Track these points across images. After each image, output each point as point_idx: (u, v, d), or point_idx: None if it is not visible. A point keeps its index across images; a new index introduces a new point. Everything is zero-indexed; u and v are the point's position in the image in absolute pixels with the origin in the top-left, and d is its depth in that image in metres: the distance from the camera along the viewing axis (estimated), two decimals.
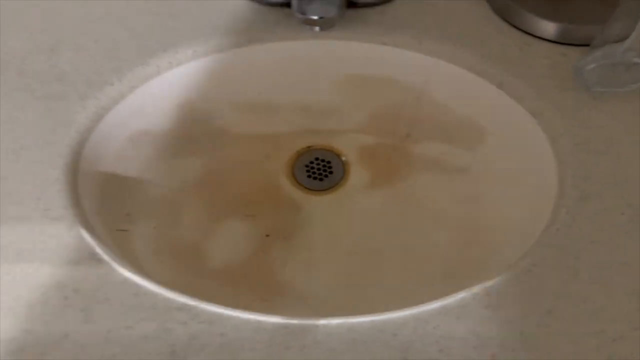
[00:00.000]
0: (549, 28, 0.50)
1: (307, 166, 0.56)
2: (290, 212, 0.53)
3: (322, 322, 0.34)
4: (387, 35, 0.51)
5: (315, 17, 0.43)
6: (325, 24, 0.44)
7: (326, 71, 0.54)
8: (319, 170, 0.56)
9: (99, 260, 0.37)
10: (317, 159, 0.57)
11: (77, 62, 0.48)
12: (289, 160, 0.57)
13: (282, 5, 0.52)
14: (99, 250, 0.37)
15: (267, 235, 0.51)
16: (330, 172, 0.56)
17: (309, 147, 0.58)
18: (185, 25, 0.51)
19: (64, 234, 0.38)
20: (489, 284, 0.36)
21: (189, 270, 0.46)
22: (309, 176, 0.56)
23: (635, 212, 0.39)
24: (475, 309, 0.34)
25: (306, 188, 0.55)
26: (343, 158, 0.57)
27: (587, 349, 0.33)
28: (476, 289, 0.35)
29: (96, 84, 0.46)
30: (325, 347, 0.33)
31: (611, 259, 0.37)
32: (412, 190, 0.53)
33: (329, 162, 0.57)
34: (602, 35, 0.45)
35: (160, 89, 0.49)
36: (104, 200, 0.44)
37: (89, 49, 0.49)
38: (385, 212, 0.53)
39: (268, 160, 0.56)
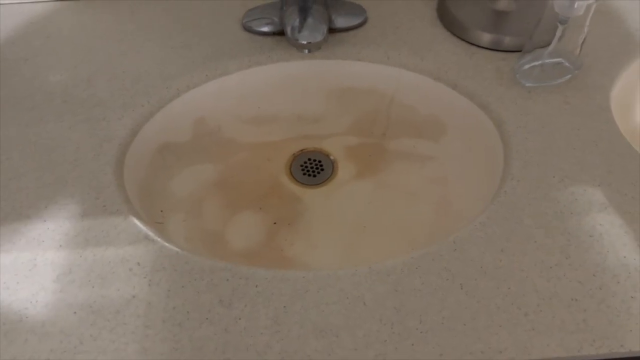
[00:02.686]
0: (490, 39, 0.62)
1: (302, 166, 0.67)
2: (291, 203, 0.64)
3: (336, 271, 0.45)
4: (361, 53, 0.63)
5: (305, 42, 0.54)
6: (313, 47, 0.55)
7: (314, 86, 0.65)
8: (312, 168, 0.67)
9: (152, 241, 0.47)
10: (310, 159, 0.68)
11: (111, 90, 0.58)
12: (287, 162, 0.67)
13: (274, 34, 0.63)
14: (150, 233, 0.47)
15: (275, 223, 0.61)
16: (322, 170, 0.67)
17: (302, 150, 0.68)
18: (198, 54, 0.61)
19: (121, 223, 0.48)
20: (456, 235, 0.47)
21: (216, 252, 0.56)
22: (304, 174, 0.66)
23: (564, 174, 0.50)
24: (447, 253, 0.45)
25: (303, 184, 0.66)
26: (332, 157, 0.68)
27: (532, 275, 0.44)
28: (447, 240, 0.46)
29: (129, 105, 0.57)
30: (338, 287, 0.43)
31: (547, 209, 0.48)
32: (391, 177, 0.65)
33: (320, 162, 0.68)
34: (530, 43, 0.57)
35: (181, 108, 0.60)
36: (143, 200, 0.54)
37: (119, 78, 0.59)
38: (370, 196, 0.64)
39: (270, 163, 0.67)
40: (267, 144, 0.67)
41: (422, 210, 0.60)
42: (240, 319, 0.42)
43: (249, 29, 0.64)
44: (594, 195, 0.49)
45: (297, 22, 0.55)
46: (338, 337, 0.41)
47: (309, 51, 0.57)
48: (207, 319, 0.42)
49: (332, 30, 0.63)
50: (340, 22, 0.63)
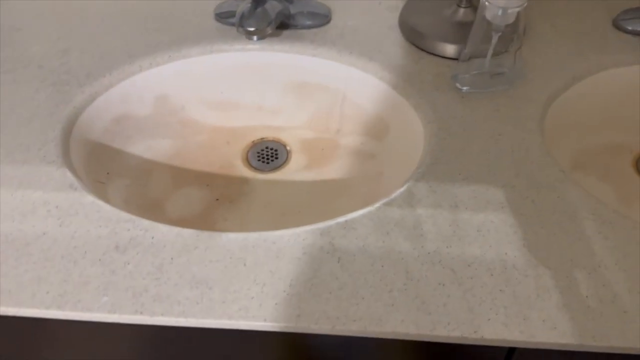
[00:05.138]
0: (440, 47, 0.64)
1: (259, 153, 0.71)
2: (239, 184, 0.67)
3: (226, 233, 0.48)
4: (317, 49, 0.66)
5: (249, 29, 0.58)
6: (260, 34, 0.59)
7: (272, 78, 0.70)
8: (268, 156, 0.71)
9: (75, 189, 0.52)
10: (267, 147, 0.71)
11: (81, 61, 0.64)
12: (245, 147, 0.71)
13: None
14: (76, 183, 0.52)
15: (217, 199, 0.65)
16: (276, 158, 0.70)
17: (262, 138, 0.72)
18: (167, 38, 0.67)
19: (54, 172, 0.53)
20: (350, 215, 0.49)
21: (149, 217, 0.60)
22: (259, 160, 0.70)
23: (469, 174, 0.52)
24: (336, 230, 0.48)
25: (255, 169, 0.69)
26: (288, 148, 0.71)
27: (408, 258, 0.46)
28: (339, 219, 0.49)
29: (93, 76, 0.62)
30: (225, 248, 0.47)
31: (443, 202, 0.49)
32: (335, 171, 0.67)
33: (276, 150, 0.71)
34: (464, 52, 0.59)
35: (142, 83, 0.65)
36: (90, 159, 0.60)
37: (90, 52, 0.65)
38: (311, 186, 0.67)
39: (228, 146, 0.71)
40: (229, 129, 0.72)
41: (352, 202, 0.63)
42: (129, 264, 0.46)
43: (219, 19, 0.69)
44: (494, 195, 0.50)
45: (247, 11, 0.59)
46: (211, 289, 0.44)
47: (258, 38, 0.61)
48: (99, 260, 0.46)
49: (293, 26, 0.67)
50: (302, 19, 0.67)
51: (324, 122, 0.71)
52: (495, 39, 0.57)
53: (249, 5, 0.60)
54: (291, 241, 0.47)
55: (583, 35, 0.66)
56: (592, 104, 0.65)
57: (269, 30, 0.60)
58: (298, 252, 0.46)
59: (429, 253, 0.46)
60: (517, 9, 0.53)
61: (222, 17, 0.69)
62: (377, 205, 0.50)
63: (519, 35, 0.57)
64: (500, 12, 0.53)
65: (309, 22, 0.68)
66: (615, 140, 0.68)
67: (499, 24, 0.55)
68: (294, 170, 0.69)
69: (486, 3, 0.54)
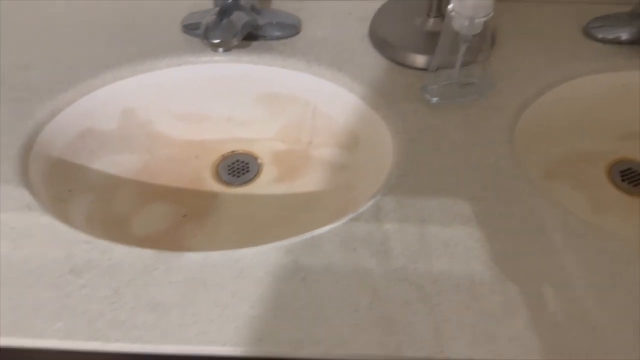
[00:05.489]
0: (410, 58, 0.63)
1: (229, 166, 0.70)
2: (208, 199, 0.66)
3: (187, 253, 0.46)
4: (286, 61, 0.65)
5: (213, 41, 0.57)
6: (225, 46, 0.58)
7: (242, 89, 0.68)
8: (239, 169, 0.69)
9: (32, 209, 0.50)
10: (238, 160, 0.70)
11: (43, 76, 0.62)
12: (215, 161, 0.70)
13: None
14: (34, 203, 0.50)
15: (184, 216, 0.64)
16: (247, 171, 0.69)
17: (233, 151, 0.71)
18: (132, 50, 0.65)
19: (11, 192, 0.51)
20: (316, 232, 0.48)
21: (113, 235, 0.59)
22: (229, 173, 0.69)
23: (437, 186, 0.51)
24: (301, 247, 0.46)
25: (225, 182, 0.68)
26: (259, 160, 0.70)
27: (375, 274, 0.44)
28: (305, 235, 0.47)
29: (55, 90, 0.61)
30: (186, 268, 0.45)
31: (410, 216, 0.48)
32: (307, 184, 0.66)
33: (247, 163, 0.70)
34: (433, 63, 0.58)
35: (107, 97, 0.63)
36: (52, 177, 0.58)
37: (54, 66, 0.64)
38: (283, 200, 0.65)
39: (197, 160, 0.70)
40: (196, 142, 0.70)
41: (323, 215, 0.61)
42: (85, 287, 0.44)
43: (186, 31, 0.68)
44: (462, 208, 0.49)
45: (212, 23, 0.58)
46: (169, 312, 0.42)
47: (224, 50, 0.59)
48: (54, 284, 0.44)
49: (262, 37, 0.66)
50: (270, 30, 0.66)
51: (295, 133, 0.70)
52: (463, 49, 0.56)
53: (214, 16, 0.59)
54: (254, 260, 0.46)
55: (554, 44, 0.65)
56: (564, 112, 0.64)
57: (235, 42, 0.59)
58: (261, 271, 0.45)
59: (395, 270, 0.45)
60: (484, 19, 0.53)
61: (190, 28, 0.68)
62: (343, 220, 0.49)
63: (488, 45, 0.57)
64: (467, 23, 0.53)
65: (278, 33, 0.67)
66: (588, 148, 0.67)
67: (466, 34, 0.54)
68: (265, 183, 0.68)
69: (452, 13, 0.53)
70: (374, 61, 0.64)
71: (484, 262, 0.45)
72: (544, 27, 0.68)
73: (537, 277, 0.44)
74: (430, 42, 0.64)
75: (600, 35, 0.65)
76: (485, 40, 0.56)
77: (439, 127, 0.56)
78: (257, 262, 0.45)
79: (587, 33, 0.66)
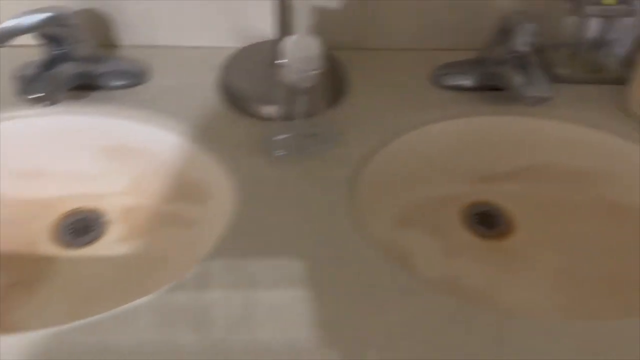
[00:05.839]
0: (258, 108, 0.61)
1: (71, 225, 0.64)
2: (43, 265, 0.60)
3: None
4: (127, 111, 0.61)
5: (30, 97, 0.52)
6: (46, 100, 0.53)
7: (84, 142, 0.64)
8: (81, 228, 0.64)
9: None
10: (81, 219, 0.65)
11: None
12: (55, 220, 0.64)
13: None
14: None
15: (12, 285, 0.57)
16: (92, 230, 0.64)
17: (76, 209, 0.65)
18: None
19: None
20: (123, 307, 0.44)
21: None
22: (71, 234, 0.63)
23: (270, 246, 0.48)
24: (107, 325, 0.42)
25: (66, 244, 0.62)
26: (105, 218, 0.65)
27: (185, 344, 0.41)
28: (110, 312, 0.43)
29: None
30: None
31: (239, 281, 0.45)
32: (154, 242, 0.62)
33: (91, 222, 0.64)
34: (276, 114, 0.56)
35: None
36: None
37: None
38: (127, 262, 0.60)
39: (34, 221, 0.64)
40: (37, 201, 0.64)
41: (165, 278, 0.57)
42: None
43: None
44: (293, 268, 0.47)
45: (31, 76, 0.53)
46: None
47: (46, 105, 0.55)
48: None
49: (102, 87, 0.62)
50: (111, 79, 0.62)
51: (142, 188, 0.66)
52: (300, 100, 0.54)
53: (35, 69, 0.54)
54: (53, 344, 0.41)
55: (403, 92, 0.66)
56: (413, 159, 0.64)
57: (59, 96, 0.54)
58: (61, 356, 0.40)
59: (213, 344, 0.41)
60: (315, 72, 0.52)
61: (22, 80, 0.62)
62: (163, 290, 0.45)
63: (327, 95, 0.56)
64: (297, 75, 0.51)
65: (119, 82, 0.63)
66: (443, 193, 0.68)
67: (301, 86, 0.53)
68: (110, 243, 0.63)
69: (284, 66, 0.52)
70: (221, 112, 0.62)
71: (309, 327, 0.43)
72: (394, 76, 0.68)
73: (362, 341, 0.42)
74: (278, 92, 0.62)
75: (445, 83, 0.66)
76: (326, 90, 0.55)
77: (280, 181, 0.54)
78: (57, 345, 0.41)
79: (434, 81, 0.67)
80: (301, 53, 0.50)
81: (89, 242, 0.63)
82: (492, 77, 0.62)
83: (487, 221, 0.66)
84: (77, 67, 0.57)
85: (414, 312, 0.44)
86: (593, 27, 0.67)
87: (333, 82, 0.64)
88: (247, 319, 0.43)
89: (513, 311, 0.57)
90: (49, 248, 0.62)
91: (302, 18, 0.67)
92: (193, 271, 0.46)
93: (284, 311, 0.44)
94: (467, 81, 0.66)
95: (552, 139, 0.66)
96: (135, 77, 0.64)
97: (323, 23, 0.69)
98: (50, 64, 0.55)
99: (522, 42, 0.53)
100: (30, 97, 0.52)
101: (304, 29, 0.69)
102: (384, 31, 0.71)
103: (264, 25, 0.67)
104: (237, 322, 0.43)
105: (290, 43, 0.49)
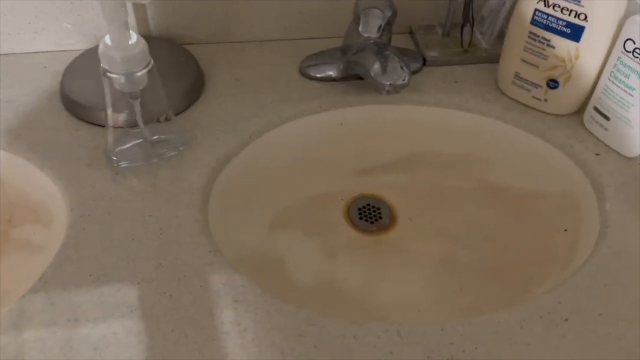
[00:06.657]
0: (101, 117, 0.55)
1: None
2: None
3: None
4: None
5: None
6: None
7: None
8: None
9: None
10: None
11: None
12: None
13: None
14: None
15: None
16: None
17: None
18: None
19: None
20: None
21: None
22: None
23: (102, 272, 0.43)
24: None
25: None
26: None
27: None
28: None
29: None
30: None
31: (61, 317, 0.40)
32: (3, 273, 0.55)
33: None
34: (112, 122, 0.51)
35: None
36: None
37: None
38: None
39: None
40: None
41: None
42: None
43: None
44: (126, 295, 0.42)
45: None
46: None
47: None
48: None
49: None
50: None
51: None
52: (137, 106, 0.49)
53: None
54: None
55: (269, 86, 0.61)
56: (282, 157, 0.60)
57: None
58: None
59: None
60: (144, 71, 0.46)
61: None
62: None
63: (179, 94, 0.51)
64: (123, 80, 0.46)
65: None
66: (321, 190, 0.64)
67: (132, 90, 0.48)
68: None
69: (106, 74, 0.46)
70: (60, 122, 0.56)
71: None
72: (261, 69, 0.64)
73: None
74: (111, 98, 0.57)
75: (313, 74, 0.63)
76: (176, 90, 0.50)
77: (120, 196, 0.49)
78: None
79: (303, 72, 0.63)
80: (120, 53, 0.44)
81: None
82: (355, 66, 0.58)
83: (370, 215, 0.64)
84: None
85: (256, 332, 0.40)
86: (462, 6, 0.65)
87: (186, 80, 0.59)
88: None
89: (388, 310, 0.55)
90: None
91: (141, 11, 0.62)
92: (8, 309, 0.41)
93: (110, 347, 0.39)
94: (332, 72, 0.62)
95: (428, 125, 0.64)
96: None
97: (175, 16, 0.63)
98: None
99: (369, 28, 0.50)
100: None
101: (152, 26, 0.64)
102: (248, 23, 0.66)
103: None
104: None
105: (103, 44, 0.44)
